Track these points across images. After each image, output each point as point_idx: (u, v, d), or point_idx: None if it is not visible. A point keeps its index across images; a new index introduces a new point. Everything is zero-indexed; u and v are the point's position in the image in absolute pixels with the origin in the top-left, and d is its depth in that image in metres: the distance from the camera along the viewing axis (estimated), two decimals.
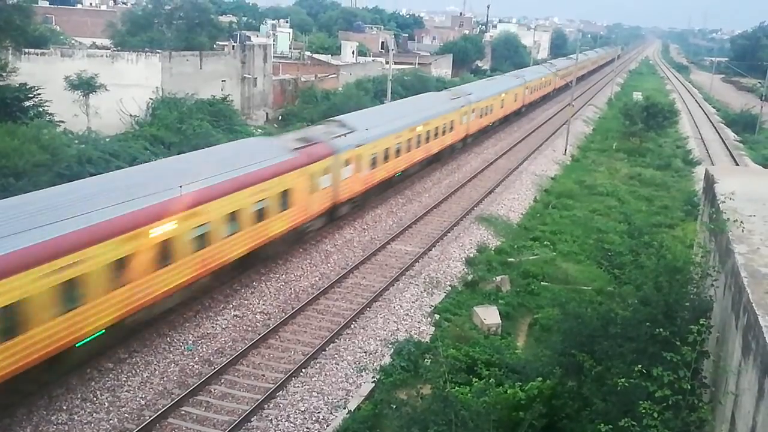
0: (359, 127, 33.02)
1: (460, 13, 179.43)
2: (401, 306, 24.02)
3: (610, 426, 11.90)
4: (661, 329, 12.51)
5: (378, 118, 37.11)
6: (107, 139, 36.22)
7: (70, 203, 18.23)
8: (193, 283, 21.83)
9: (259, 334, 21.29)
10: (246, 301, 23.72)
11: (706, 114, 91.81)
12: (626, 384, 12.15)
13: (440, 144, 43.91)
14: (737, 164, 54.64)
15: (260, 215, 24.64)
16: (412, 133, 38.71)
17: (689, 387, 11.74)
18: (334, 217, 31.41)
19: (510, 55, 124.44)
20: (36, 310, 16.07)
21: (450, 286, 26.18)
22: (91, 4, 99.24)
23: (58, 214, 17.24)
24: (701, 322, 12.13)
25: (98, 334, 18.23)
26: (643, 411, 11.50)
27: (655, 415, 11.44)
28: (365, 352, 20.77)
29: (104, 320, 18.28)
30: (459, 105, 47.50)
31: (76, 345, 17.65)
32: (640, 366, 12.14)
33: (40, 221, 16.78)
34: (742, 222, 14.13)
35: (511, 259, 29.31)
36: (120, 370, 18.93)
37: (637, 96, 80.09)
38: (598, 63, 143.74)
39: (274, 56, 65.86)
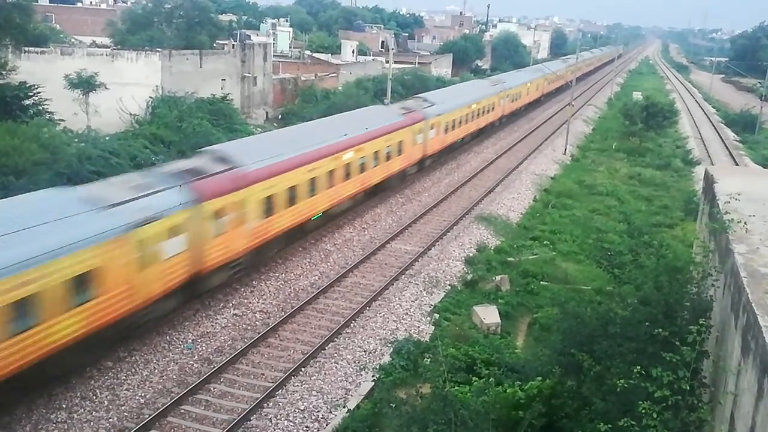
0: (437, 102, 43.50)
1: (460, 13, 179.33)
2: (401, 305, 24.02)
3: (610, 426, 11.91)
4: (661, 329, 12.51)
5: (447, 96, 47.82)
6: (107, 138, 36.18)
7: (304, 137, 29.93)
8: (355, 196, 32.78)
9: (258, 333, 21.29)
10: (245, 300, 23.72)
11: (705, 114, 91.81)
12: (626, 385, 12.14)
13: (485, 120, 54.56)
14: (737, 164, 54.66)
15: (388, 156, 35.48)
16: (469, 110, 49.41)
17: (688, 387, 11.74)
18: (422, 166, 42.03)
19: (510, 55, 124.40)
20: (302, 192, 27.31)
21: (449, 285, 26.19)
22: (91, 2, 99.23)
23: (300, 142, 28.64)
24: (701, 322, 12.13)
25: (318, 216, 29.39)
26: (643, 411, 11.50)
27: (655, 415, 11.44)
28: (365, 351, 20.78)
29: (323, 206, 29.55)
30: (497, 90, 58.00)
31: (312, 218, 28.78)
32: (639, 367, 12.13)
33: (294, 146, 27.68)
34: (745, 223, 14.13)
35: (511, 259, 29.32)
36: (119, 369, 18.94)
37: (637, 96, 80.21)
38: (602, 60, 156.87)
39: (274, 55, 65.84)
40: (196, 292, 22.43)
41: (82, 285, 17.31)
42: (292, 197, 26.60)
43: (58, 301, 16.70)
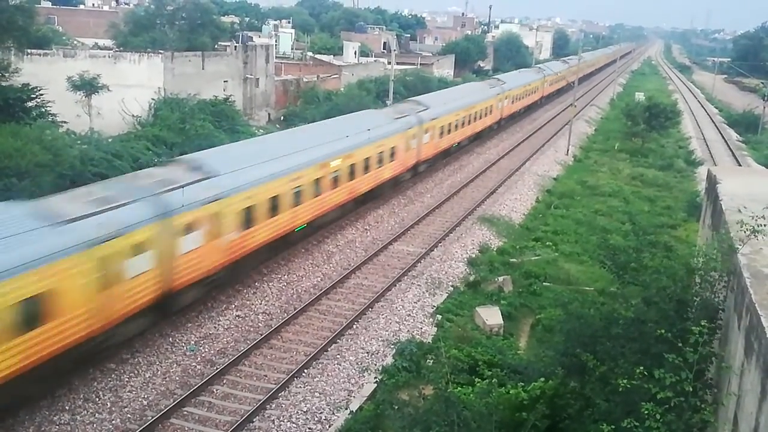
0: (507, 81, 62.15)
1: (462, 14, 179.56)
2: (403, 306, 24.01)
3: (613, 427, 11.87)
4: (662, 330, 12.47)
5: (511, 78, 66.61)
6: (109, 140, 36.20)
7: (451, 96, 49.04)
8: (469, 137, 50.41)
9: (261, 335, 21.29)
10: (248, 302, 23.73)
11: (708, 114, 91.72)
12: (628, 385, 12.11)
13: (533, 98, 73.75)
14: (740, 164, 54.58)
15: (484, 115, 53.31)
16: (527, 89, 69.25)
17: (691, 389, 11.70)
18: (500, 125, 59.85)
19: (512, 56, 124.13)
20: (451, 129, 44.76)
21: (452, 286, 26.17)
22: (93, 4, 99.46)
23: (450, 99, 47.13)
24: (702, 324, 12.10)
25: (456, 145, 47.02)
26: (646, 413, 11.47)
27: (658, 416, 11.40)
28: (367, 353, 20.77)
29: (457, 140, 47.00)
30: (541, 76, 76.99)
31: (453, 146, 46.52)
32: (642, 368, 12.10)
33: (447, 101, 45.94)
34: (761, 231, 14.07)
35: (513, 260, 29.29)
36: (122, 371, 18.94)
37: (640, 96, 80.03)
38: (618, 54, 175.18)
39: (276, 57, 65.86)
40: (417, 172, 40.14)
41: (389, 155, 34.67)
42: (448, 131, 44.21)
43: (374, 162, 32.67)
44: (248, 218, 23.56)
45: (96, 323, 17.59)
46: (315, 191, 27.97)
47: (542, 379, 15.43)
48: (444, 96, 49.09)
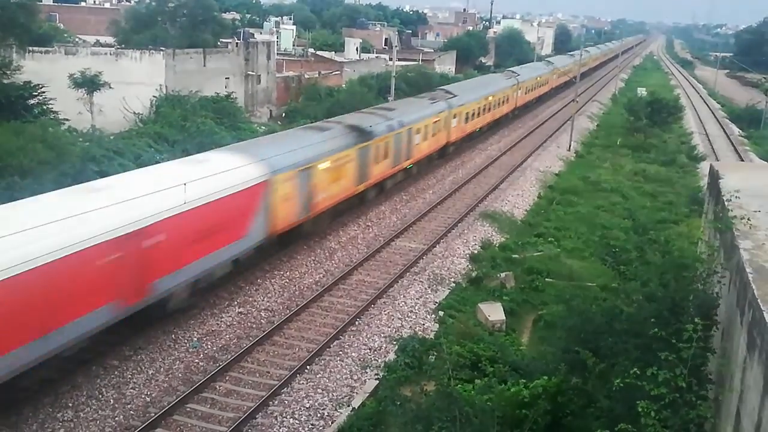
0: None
1: (464, 10, 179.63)
2: (405, 303, 24.03)
3: (609, 429, 11.90)
4: (658, 329, 12.45)
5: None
6: (111, 137, 36.20)
7: (527, 70, 75.02)
8: (545, 94, 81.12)
9: (263, 331, 21.33)
10: (250, 299, 23.76)
11: (710, 109, 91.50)
12: (621, 385, 12.12)
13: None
14: (742, 160, 54.48)
15: (545, 84, 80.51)
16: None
17: (684, 385, 11.69)
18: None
19: (514, 51, 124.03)
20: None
21: (454, 282, 26.17)
22: (95, 2, 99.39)
23: (532, 71, 76.27)
24: (695, 320, 12.08)
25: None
26: (641, 410, 11.48)
27: (653, 414, 11.40)
28: (369, 349, 20.79)
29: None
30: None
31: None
32: (635, 368, 12.09)
33: (528, 71, 74.46)
34: (749, 219, 14.06)
35: (516, 256, 29.29)
36: (125, 368, 18.98)
37: (641, 92, 79.92)
38: (628, 45, 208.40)
39: (277, 53, 65.87)
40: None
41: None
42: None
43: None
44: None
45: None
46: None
47: (545, 376, 15.44)
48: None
